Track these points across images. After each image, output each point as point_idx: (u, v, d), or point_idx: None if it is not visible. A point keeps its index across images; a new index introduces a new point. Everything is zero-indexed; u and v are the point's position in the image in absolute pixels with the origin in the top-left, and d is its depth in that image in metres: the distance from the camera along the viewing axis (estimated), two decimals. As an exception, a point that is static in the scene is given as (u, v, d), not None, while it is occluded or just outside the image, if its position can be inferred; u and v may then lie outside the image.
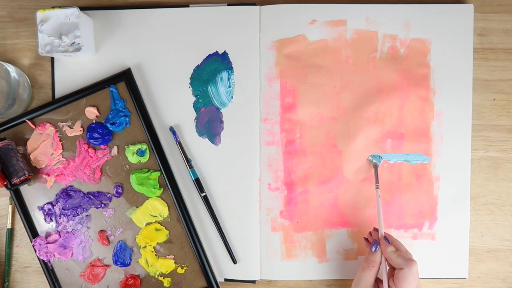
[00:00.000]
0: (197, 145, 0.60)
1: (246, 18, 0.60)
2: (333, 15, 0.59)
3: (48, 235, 0.60)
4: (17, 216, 0.62)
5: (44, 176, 0.60)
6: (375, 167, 0.59)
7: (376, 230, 0.56)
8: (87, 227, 0.60)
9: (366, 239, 0.57)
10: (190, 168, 0.59)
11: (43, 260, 0.60)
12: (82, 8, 0.58)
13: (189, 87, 0.60)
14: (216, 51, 0.60)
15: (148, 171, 0.60)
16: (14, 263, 0.62)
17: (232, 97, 0.60)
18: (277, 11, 0.60)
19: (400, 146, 0.60)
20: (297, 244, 0.60)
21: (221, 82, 0.60)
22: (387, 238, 0.54)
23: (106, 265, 0.60)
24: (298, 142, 0.60)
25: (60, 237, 0.60)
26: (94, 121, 0.60)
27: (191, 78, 0.60)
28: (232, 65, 0.60)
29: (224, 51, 0.60)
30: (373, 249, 0.53)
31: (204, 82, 0.60)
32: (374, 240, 0.54)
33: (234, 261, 0.60)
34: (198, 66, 0.60)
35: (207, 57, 0.60)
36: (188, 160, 0.60)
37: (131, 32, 0.60)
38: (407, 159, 0.60)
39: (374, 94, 0.60)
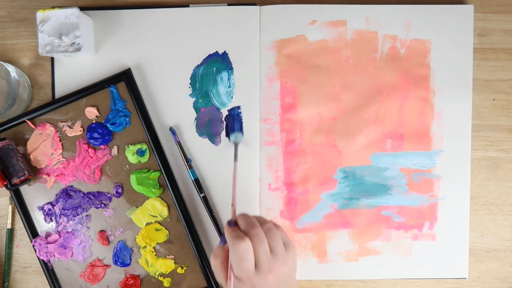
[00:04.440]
0: (197, 145, 0.60)
1: (246, 18, 0.60)
2: (333, 15, 0.59)
3: (48, 235, 0.60)
4: (17, 216, 0.62)
5: (44, 176, 0.60)
6: (235, 144, 0.58)
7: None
8: (87, 227, 0.60)
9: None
10: (189, 169, 0.59)
11: (43, 260, 0.60)
12: (82, 8, 0.58)
13: (189, 87, 0.60)
14: (216, 51, 0.60)
15: (148, 171, 0.60)
16: (14, 263, 0.62)
17: (232, 97, 0.60)
18: (277, 11, 0.59)
19: (400, 146, 0.60)
20: (297, 244, 0.60)
21: (221, 82, 0.60)
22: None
23: (106, 265, 0.60)
24: (298, 142, 0.60)
25: (60, 237, 0.60)
26: (94, 121, 0.60)
27: (191, 78, 0.60)
28: (232, 65, 0.60)
29: (224, 51, 0.60)
30: (221, 243, 0.46)
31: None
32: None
33: (234, 261, 0.60)
34: (198, 66, 0.60)
35: (207, 57, 0.60)
36: (187, 160, 0.60)
37: (131, 32, 0.60)
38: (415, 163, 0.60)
39: (374, 94, 0.60)
